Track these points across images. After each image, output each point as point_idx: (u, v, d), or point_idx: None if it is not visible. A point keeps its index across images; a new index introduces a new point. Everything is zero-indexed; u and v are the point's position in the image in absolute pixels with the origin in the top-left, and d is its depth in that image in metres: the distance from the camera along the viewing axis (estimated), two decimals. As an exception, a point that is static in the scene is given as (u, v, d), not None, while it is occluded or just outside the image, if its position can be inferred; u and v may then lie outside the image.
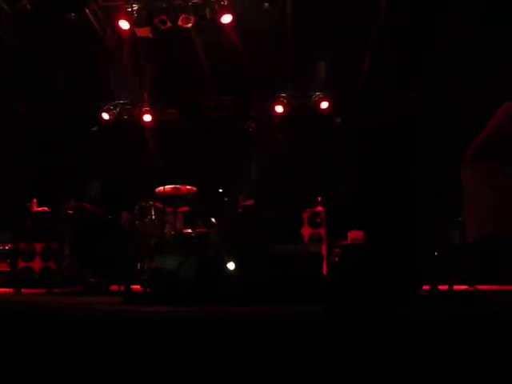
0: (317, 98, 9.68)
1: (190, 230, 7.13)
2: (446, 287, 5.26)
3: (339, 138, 9.17)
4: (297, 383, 2.36)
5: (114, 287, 6.57)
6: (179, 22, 7.27)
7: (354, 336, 2.83)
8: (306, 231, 7.92)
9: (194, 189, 7.39)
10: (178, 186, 7.18)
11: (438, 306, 4.22)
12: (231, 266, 5.02)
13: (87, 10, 7.48)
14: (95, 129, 9.92)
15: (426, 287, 4.99)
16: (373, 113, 9.34)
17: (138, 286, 6.04)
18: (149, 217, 7.04)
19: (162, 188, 7.21)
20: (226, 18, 7.35)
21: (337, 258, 7.39)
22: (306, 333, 2.97)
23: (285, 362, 2.53)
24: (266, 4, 7.04)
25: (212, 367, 2.51)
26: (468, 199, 6.82)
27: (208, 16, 7.27)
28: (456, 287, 5.25)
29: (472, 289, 5.04)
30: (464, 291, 5.05)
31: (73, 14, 7.04)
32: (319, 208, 8.06)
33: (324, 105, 9.62)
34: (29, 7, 7.18)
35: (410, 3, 7.15)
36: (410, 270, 3.85)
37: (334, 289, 3.93)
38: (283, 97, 9.78)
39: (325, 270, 5.73)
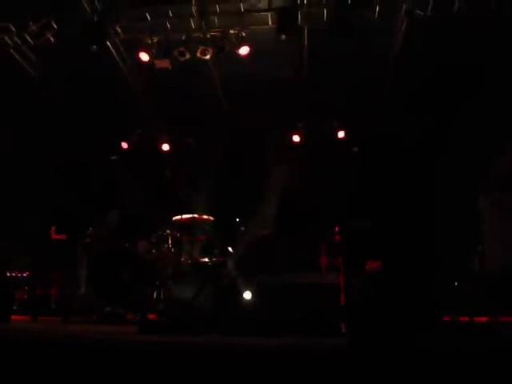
0: (334, 127, 9.71)
1: (206, 259, 7.11)
2: (466, 318, 5.14)
3: (357, 167, 9.15)
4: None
5: (130, 316, 6.55)
6: (198, 54, 7.43)
7: (373, 367, 2.76)
8: (323, 261, 7.84)
9: (211, 218, 7.40)
10: (195, 215, 7.20)
11: (459, 337, 4.12)
12: (248, 295, 4.98)
13: (108, 43, 7.68)
14: (114, 158, 10.06)
15: (446, 318, 4.88)
16: (390, 142, 9.32)
17: (154, 315, 6.02)
18: (166, 245, 7.04)
19: (179, 217, 7.23)
20: (244, 50, 7.47)
21: (354, 289, 7.29)
22: (325, 364, 2.92)
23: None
24: (283, 36, 7.15)
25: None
26: (488, 228, 6.72)
27: (226, 48, 7.42)
28: (477, 318, 5.13)
29: (494, 320, 4.92)
30: (486, 323, 4.93)
31: (94, 47, 7.21)
32: (336, 238, 7.99)
33: (341, 134, 9.63)
34: (52, 40, 7.41)
35: (424, 32, 7.22)
36: (430, 300, 3.78)
37: (352, 319, 3.87)
38: (300, 126, 9.83)
39: (342, 301, 5.64)
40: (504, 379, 2.46)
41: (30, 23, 7.35)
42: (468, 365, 2.80)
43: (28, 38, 7.53)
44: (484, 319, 5.06)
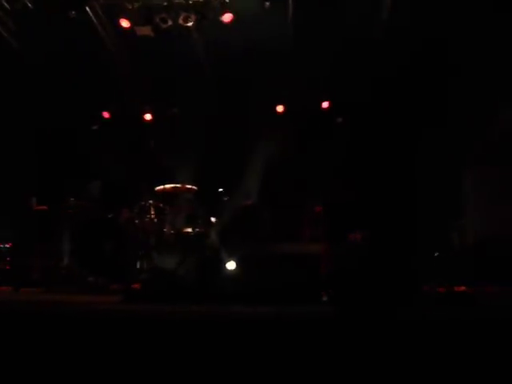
0: (318, 98, 9.63)
1: (189, 230, 7.12)
2: (445, 289, 5.26)
3: (340, 137, 9.14)
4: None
5: (114, 286, 6.57)
6: (180, 21, 7.27)
7: (352, 336, 2.82)
8: (306, 231, 7.89)
9: (195, 188, 7.38)
10: (178, 185, 7.17)
11: (438, 307, 4.21)
12: (231, 265, 5.02)
13: (87, 8, 7.46)
14: (96, 127, 9.90)
15: (425, 288, 4.98)
16: (374, 113, 9.30)
17: (138, 285, 6.04)
18: (148, 216, 7.03)
19: (162, 187, 7.20)
20: (227, 17, 7.34)
21: (336, 259, 7.38)
22: (305, 332, 2.97)
23: (284, 362, 2.52)
24: (267, 3, 7.03)
25: (210, 367, 2.50)
26: (469, 201, 6.83)
27: (209, 15, 7.27)
28: (456, 289, 5.24)
29: (471, 290, 5.04)
30: (463, 293, 5.05)
31: (73, 12, 7.01)
32: (318, 208, 8.03)
33: (325, 104, 9.58)
34: (29, 5, 7.17)
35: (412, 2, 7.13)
36: (410, 271, 3.85)
37: (332, 289, 3.93)
38: (284, 96, 9.74)
39: (323, 271, 5.72)
40: (480, 348, 2.53)
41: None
42: (446, 333, 2.87)
43: (4, 3, 7.28)
44: (462, 289, 5.17)
